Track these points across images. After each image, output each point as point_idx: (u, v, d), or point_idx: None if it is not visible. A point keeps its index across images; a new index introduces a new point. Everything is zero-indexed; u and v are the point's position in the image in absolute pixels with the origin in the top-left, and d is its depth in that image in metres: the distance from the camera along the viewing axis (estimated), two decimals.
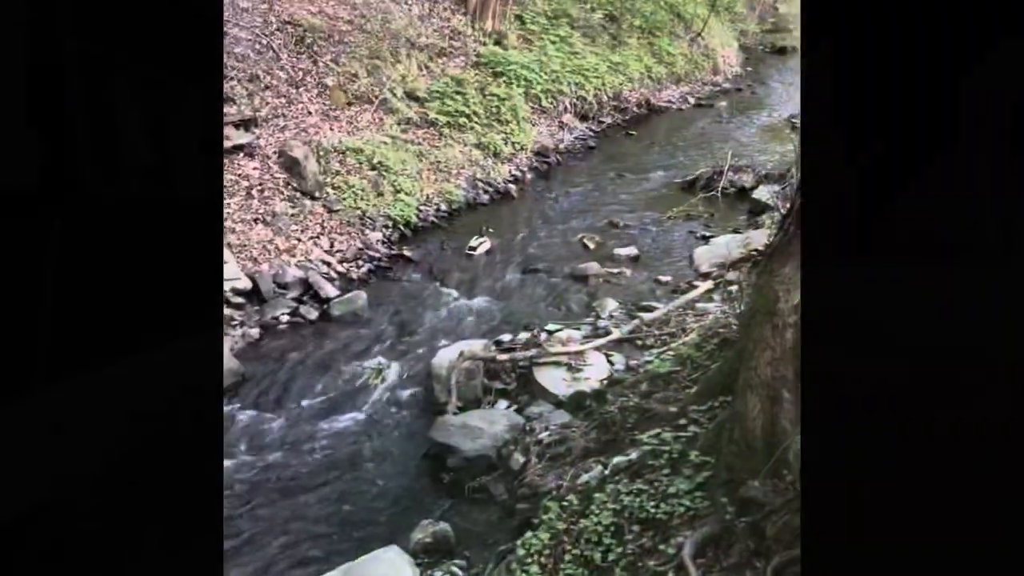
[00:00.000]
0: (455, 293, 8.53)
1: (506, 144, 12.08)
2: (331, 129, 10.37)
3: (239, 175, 9.04)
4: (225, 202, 8.31)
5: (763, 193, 10.57)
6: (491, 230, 9.95)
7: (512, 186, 11.48)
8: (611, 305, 7.98)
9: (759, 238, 8.17)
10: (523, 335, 7.22)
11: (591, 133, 14.18)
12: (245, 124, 9.43)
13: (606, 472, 4.74)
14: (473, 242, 9.60)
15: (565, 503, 4.54)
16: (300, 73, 10.65)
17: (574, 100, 14.19)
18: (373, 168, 10.12)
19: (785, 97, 17.87)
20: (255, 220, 8.70)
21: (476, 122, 11.97)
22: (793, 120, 14.42)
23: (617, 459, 4.83)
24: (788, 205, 4.15)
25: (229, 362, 6.47)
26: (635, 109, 15.63)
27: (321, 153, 9.82)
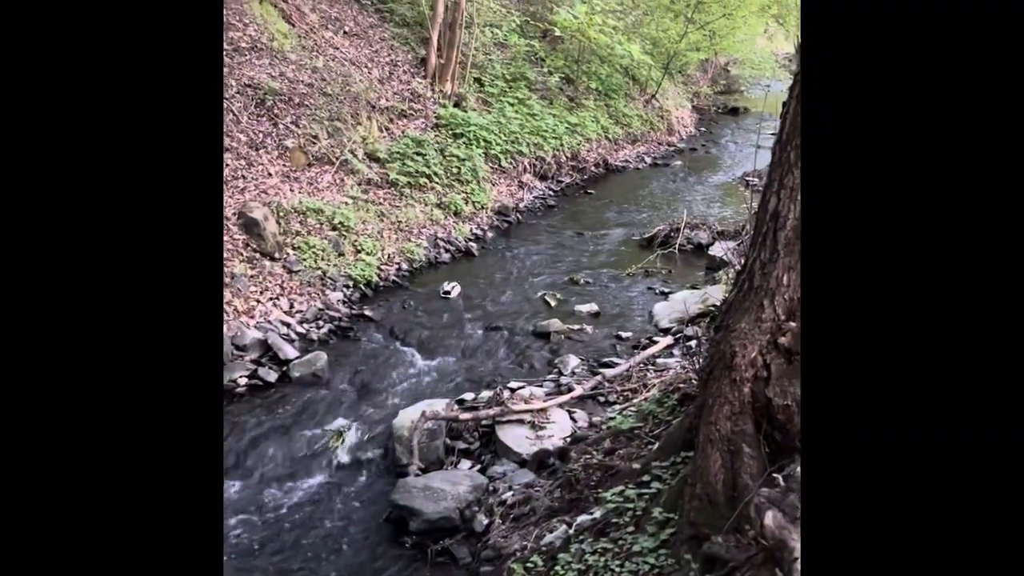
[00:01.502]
0: (417, 352, 8.50)
1: (466, 203, 12.22)
2: (291, 190, 10.39)
3: None
4: None
5: (719, 250, 10.79)
6: (454, 283, 10.06)
7: (473, 244, 11.57)
8: (573, 362, 8.01)
9: (716, 293, 8.32)
10: (486, 393, 7.19)
11: (550, 192, 14.42)
12: None
13: (570, 531, 4.70)
14: (446, 286, 9.89)
15: (530, 564, 4.48)
16: (260, 135, 10.70)
17: (533, 160, 14.45)
18: (334, 228, 10.14)
19: (738, 156, 18.38)
20: None
21: (437, 182, 12.10)
22: (747, 178, 14.82)
23: (581, 518, 4.79)
24: (743, 261, 4.24)
25: None
26: (593, 169, 15.97)
27: (281, 214, 9.81)
